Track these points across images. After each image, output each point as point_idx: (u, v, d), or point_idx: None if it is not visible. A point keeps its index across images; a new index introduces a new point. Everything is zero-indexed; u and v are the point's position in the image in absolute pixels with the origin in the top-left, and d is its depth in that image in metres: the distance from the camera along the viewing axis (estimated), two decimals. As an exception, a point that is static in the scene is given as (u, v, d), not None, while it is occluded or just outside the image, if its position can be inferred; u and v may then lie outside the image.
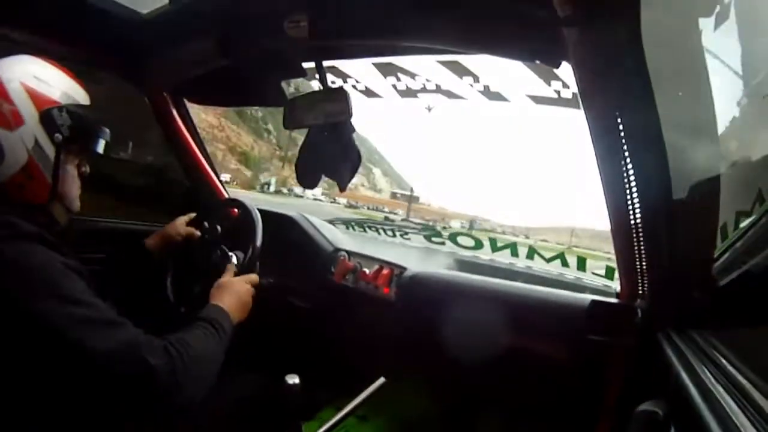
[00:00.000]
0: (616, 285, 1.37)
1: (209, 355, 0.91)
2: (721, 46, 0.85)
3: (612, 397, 1.25)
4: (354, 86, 1.42)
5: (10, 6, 1.23)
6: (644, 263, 1.13)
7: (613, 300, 1.36)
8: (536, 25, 0.86)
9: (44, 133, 0.90)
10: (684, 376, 0.84)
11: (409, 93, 1.34)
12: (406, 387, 1.75)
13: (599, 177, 0.99)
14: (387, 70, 1.31)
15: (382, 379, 1.57)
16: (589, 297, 1.39)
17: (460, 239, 2.04)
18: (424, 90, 1.32)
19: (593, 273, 1.62)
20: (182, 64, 1.49)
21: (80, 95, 0.98)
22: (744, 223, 1.00)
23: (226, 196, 2.06)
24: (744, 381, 0.74)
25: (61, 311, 0.76)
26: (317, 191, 29.12)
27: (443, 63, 1.19)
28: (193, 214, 1.44)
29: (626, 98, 0.81)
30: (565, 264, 1.73)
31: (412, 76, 1.30)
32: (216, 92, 1.71)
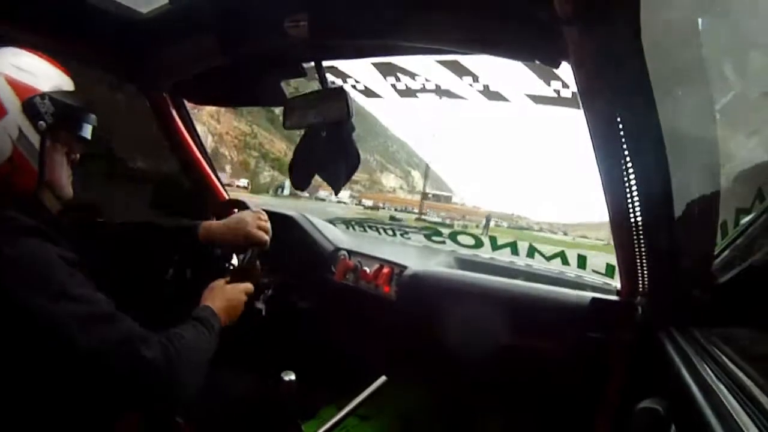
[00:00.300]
0: (616, 282, 1.37)
1: (201, 350, 0.93)
2: (720, 46, 0.85)
3: (613, 394, 1.25)
4: (353, 86, 1.42)
5: (10, 5, 1.23)
6: (644, 261, 1.13)
7: (614, 297, 1.36)
8: (536, 25, 0.86)
9: (28, 123, 0.90)
10: (684, 373, 0.84)
11: (408, 93, 1.34)
12: (406, 386, 1.75)
13: (599, 176, 0.99)
14: (386, 69, 1.31)
15: (383, 378, 1.57)
16: (590, 294, 1.39)
17: (460, 238, 2.04)
18: (423, 90, 1.31)
19: (593, 271, 1.63)
20: (182, 63, 1.48)
21: (64, 81, 0.97)
22: (744, 221, 1.01)
23: (226, 196, 2.06)
24: (744, 378, 0.74)
25: (56, 307, 0.76)
26: (343, 194, 28.86)
27: (443, 63, 1.19)
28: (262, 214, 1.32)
29: (626, 97, 0.81)
30: (565, 262, 1.73)
31: (412, 76, 1.30)
32: (216, 92, 1.70)
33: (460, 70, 1.18)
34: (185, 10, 1.25)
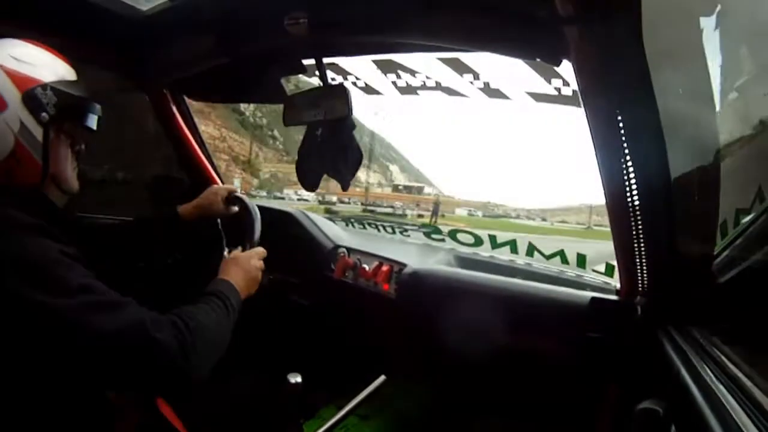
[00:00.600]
0: (616, 282, 1.37)
1: (216, 327, 0.90)
2: (721, 44, 0.85)
3: (612, 394, 1.25)
4: (354, 83, 1.41)
5: (9, 2, 1.22)
6: (644, 260, 1.13)
7: (613, 297, 1.36)
8: (537, 23, 0.86)
9: (29, 115, 0.88)
10: (684, 373, 0.84)
11: (409, 90, 1.33)
12: (406, 385, 1.75)
13: (599, 174, 0.99)
14: (387, 67, 1.30)
15: (382, 377, 1.57)
16: (589, 294, 1.38)
17: (460, 236, 2.04)
18: (424, 87, 1.31)
19: (593, 270, 1.62)
20: (182, 60, 1.48)
21: (65, 71, 0.95)
22: (744, 221, 1.00)
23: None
24: (744, 378, 0.74)
25: (62, 302, 0.75)
26: (307, 192, 28.14)
27: (443, 60, 1.18)
28: (232, 187, 1.41)
29: (626, 96, 0.81)
30: (564, 261, 1.73)
31: (412, 73, 1.29)
32: (216, 89, 1.70)
33: (460, 68, 1.17)
34: (186, 7, 1.24)
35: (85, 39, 1.39)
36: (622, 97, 0.82)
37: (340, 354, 1.88)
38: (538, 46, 0.91)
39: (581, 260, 1.67)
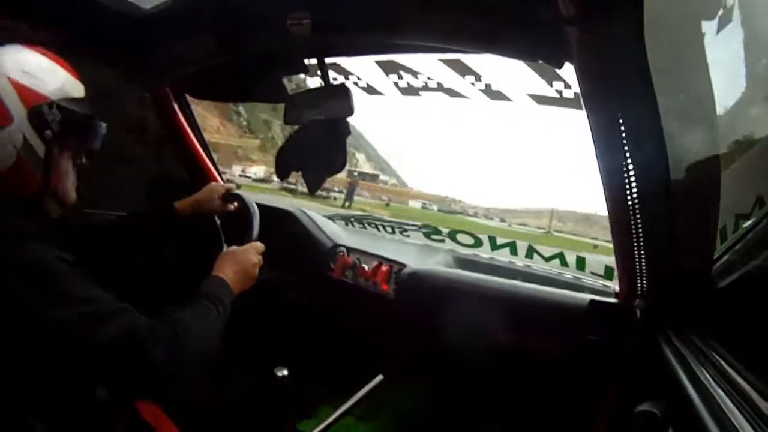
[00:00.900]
0: (615, 285, 1.37)
1: (206, 332, 0.92)
2: (723, 49, 0.85)
3: (610, 397, 1.25)
4: (356, 83, 1.41)
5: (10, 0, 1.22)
6: (643, 264, 1.13)
7: (612, 300, 1.36)
8: (539, 25, 0.85)
9: (33, 131, 0.87)
10: (682, 376, 0.84)
11: (410, 91, 1.33)
12: (403, 385, 1.75)
13: (600, 177, 0.99)
14: (389, 67, 1.30)
15: (379, 377, 1.57)
16: (588, 297, 1.39)
17: (460, 237, 2.04)
18: (425, 88, 1.31)
19: (592, 273, 1.62)
20: (184, 59, 1.48)
21: (74, 88, 0.94)
22: (743, 226, 1.00)
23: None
24: (742, 382, 0.74)
25: (58, 309, 0.76)
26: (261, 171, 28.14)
27: (445, 61, 1.18)
28: (229, 185, 1.42)
29: (628, 99, 0.81)
30: (564, 263, 1.73)
31: (414, 74, 1.29)
32: (217, 87, 1.69)
33: (462, 69, 1.17)
34: (188, 5, 1.24)
35: (86, 36, 1.39)
36: (623, 99, 0.82)
37: (339, 353, 1.89)
38: (540, 48, 0.91)
39: (580, 263, 1.67)
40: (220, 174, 2.08)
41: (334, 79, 1.35)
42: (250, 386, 1.80)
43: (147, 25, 1.33)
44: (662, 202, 0.94)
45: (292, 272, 1.94)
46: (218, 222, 1.60)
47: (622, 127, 0.84)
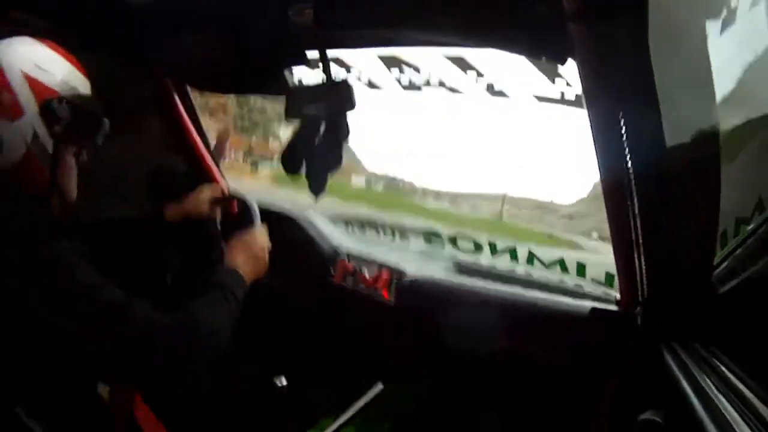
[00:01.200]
0: (616, 292, 1.35)
1: (218, 326, 0.90)
2: (726, 49, 0.84)
3: (612, 405, 1.23)
4: (358, 78, 1.41)
5: None
6: (644, 270, 1.12)
7: (613, 307, 1.34)
8: (543, 21, 0.85)
9: (43, 126, 0.88)
10: (685, 384, 0.82)
11: (412, 87, 1.32)
12: (404, 394, 1.74)
13: (600, 179, 0.98)
14: (391, 62, 1.30)
15: (379, 386, 1.55)
16: (589, 304, 1.37)
17: (459, 243, 2.03)
18: (427, 84, 1.30)
19: (593, 280, 1.61)
20: (185, 49, 1.46)
21: (82, 84, 0.96)
22: (744, 231, 0.99)
23: (226, 191, 2.05)
24: (745, 390, 0.73)
25: (71, 302, 0.78)
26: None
27: (448, 57, 1.18)
28: (219, 186, 1.40)
29: (630, 98, 0.80)
30: (564, 270, 1.72)
31: (416, 69, 1.28)
32: (219, 79, 1.68)
33: (464, 66, 1.17)
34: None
35: (85, 27, 1.39)
36: (625, 98, 0.81)
37: (339, 360, 1.87)
38: (543, 45, 0.90)
39: (581, 269, 1.66)
40: (221, 171, 2.07)
41: (336, 74, 1.35)
42: (249, 392, 1.79)
43: (148, 15, 1.33)
44: (663, 204, 0.93)
45: (293, 277, 1.92)
46: (218, 225, 1.59)
47: (623, 126, 0.83)
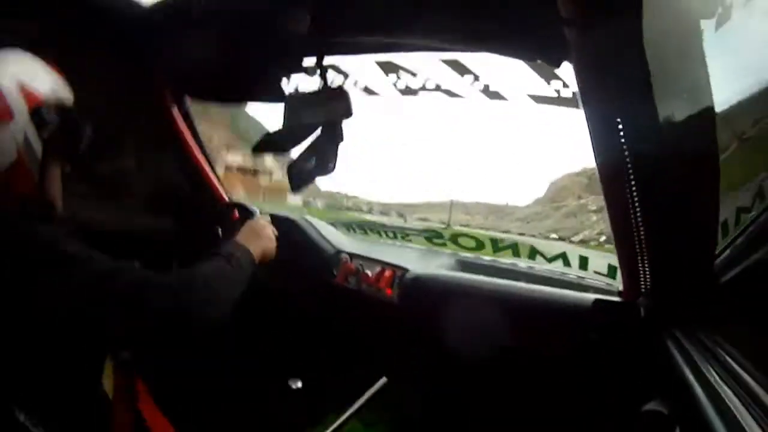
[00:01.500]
0: (618, 284, 1.36)
1: (216, 288, 0.89)
2: (722, 48, 0.85)
3: (616, 396, 1.25)
4: (354, 84, 1.41)
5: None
6: (646, 261, 1.13)
7: (616, 299, 1.36)
8: (538, 24, 0.86)
9: (34, 131, 0.91)
10: (689, 374, 0.84)
11: (409, 91, 1.33)
12: (409, 390, 1.75)
13: (599, 178, 0.99)
14: (388, 68, 1.30)
15: (383, 380, 1.56)
16: (592, 296, 1.38)
17: (461, 240, 2.05)
18: (424, 89, 1.31)
19: (595, 272, 1.62)
20: (183, 59, 1.48)
21: (67, 95, 0.99)
22: (745, 219, 1.00)
23: (226, 198, 2.06)
24: (749, 379, 0.74)
25: (63, 270, 0.78)
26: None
27: (444, 61, 1.18)
28: None
29: (627, 99, 0.81)
30: (567, 264, 1.73)
31: (413, 74, 1.29)
32: (216, 87, 1.69)
33: (461, 69, 1.17)
34: (188, 4, 1.24)
35: (84, 35, 1.39)
36: (622, 99, 0.81)
37: (344, 360, 1.88)
38: (538, 47, 0.91)
39: (583, 262, 1.67)
40: (219, 179, 2.08)
41: (333, 80, 1.35)
42: (256, 393, 1.81)
43: (145, 23, 1.33)
44: (663, 199, 0.94)
45: (296, 280, 1.94)
46: (219, 232, 1.60)
47: (620, 126, 0.84)
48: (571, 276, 1.69)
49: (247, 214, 1.59)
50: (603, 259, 1.57)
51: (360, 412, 1.55)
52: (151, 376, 1.36)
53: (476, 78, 1.18)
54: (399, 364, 1.74)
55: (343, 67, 1.35)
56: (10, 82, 0.88)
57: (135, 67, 1.57)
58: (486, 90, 1.20)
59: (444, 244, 2.11)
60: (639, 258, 1.12)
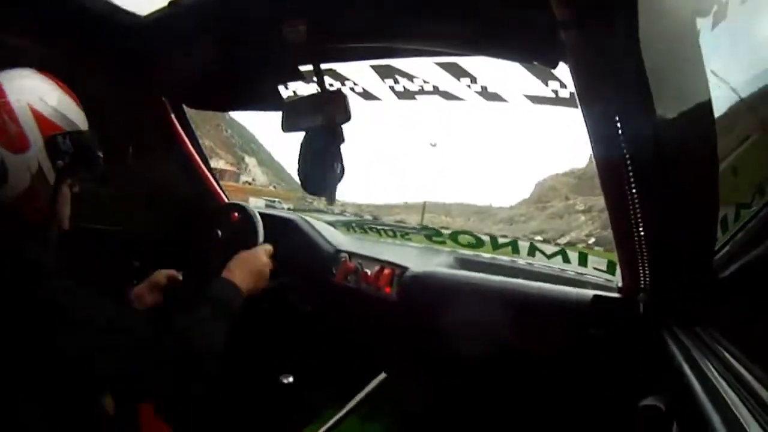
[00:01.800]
0: (618, 280, 1.37)
1: (212, 341, 0.93)
2: (719, 46, 0.85)
3: (614, 391, 1.26)
4: (352, 89, 1.41)
5: (6, 9, 1.23)
6: (645, 258, 1.13)
7: (615, 295, 1.36)
8: (534, 27, 0.86)
9: (47, 159, 0.91)
10: (686, 370, 0.84)
11: (406, 95, 1.33)
12: (408, 386, 1.76)
13: (599, 178, 0.99)
14: (385, 72, 1.30)
15: (382, 375, 1.57)
16: (591, 292, 1.39)
17: (461, 238, 2.05)
18: (421, 92, 1.31)
19: (595, 268, 1.63)
20: (180, 67, 1.48)
21: (81, 120, 0.98)
22: (744, 215, 1.01)
23: (226, 201, 2.06)
24: (746, 374, 0.75)
25: (75, 339, 0.80)
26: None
27: (441, 65, 1.19)
28: (175, 273, 1.33)
29: (624, 99, 0.81)
30: (566, 260, 1.74)
31: (410, 78, 1.29)
32: (214, 97, 1.70)
33: (458, 72, 1.18)
34: (184, 14, 1.24)
35: (81, 45, 1.39)
36: (620, 100, 0.82)
37: (343, 358, 1.89)
38: (534, 49, 0.91)
39: (582, 258, 1.68)
40: (218, 182, 2.09)
41: (330, 85, 1.36)
42: (256, 392, 1.82)
43: (143, 34, 1.33)
44: (662, 196, 0.95)
45: (296, 279, 1.94)
46: (219, 235, 1.60)
47: (619, 125, 0.85)
48: (570, 272, 1.70)
49: (246, 215, 1.59)
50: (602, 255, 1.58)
51: (358, 408, 1.56)
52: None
53: (473, 80, 1.19)
54: (398, 362, 1.75)
55: (340, 72, 1.35)
56: (25, 108, 0.88)
57: (134, 76, 1.56)
58: (484, 92, 1.20)
59: (443, 242, 2.12)
60: (638, 254, 1.12)
